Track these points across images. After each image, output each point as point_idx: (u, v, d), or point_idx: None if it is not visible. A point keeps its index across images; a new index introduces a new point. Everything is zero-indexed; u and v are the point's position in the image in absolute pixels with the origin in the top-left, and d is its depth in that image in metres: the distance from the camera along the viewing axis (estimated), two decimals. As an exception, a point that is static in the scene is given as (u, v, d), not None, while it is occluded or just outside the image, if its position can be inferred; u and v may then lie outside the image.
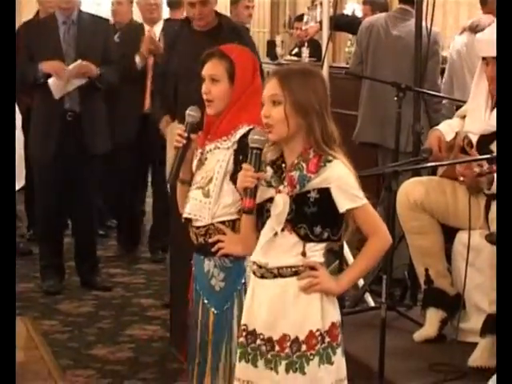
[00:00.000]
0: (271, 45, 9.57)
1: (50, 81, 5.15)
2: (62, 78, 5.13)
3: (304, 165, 2.48)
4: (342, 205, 2.47)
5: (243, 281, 2.89)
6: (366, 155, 5.53)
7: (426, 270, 3.87)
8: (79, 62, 5.17)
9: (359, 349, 3.73)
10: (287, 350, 2.50)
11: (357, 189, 2.50)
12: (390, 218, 3.67)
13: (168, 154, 4.91)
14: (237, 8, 6.93)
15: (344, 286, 2.56)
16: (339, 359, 2.54)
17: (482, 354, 3.50)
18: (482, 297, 3.68)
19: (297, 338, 2.50)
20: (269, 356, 2.53)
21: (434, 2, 4.47)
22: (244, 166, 2.53)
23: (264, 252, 2.53)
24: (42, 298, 5.30)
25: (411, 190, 3.86)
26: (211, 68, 2.89)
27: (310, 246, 2.50)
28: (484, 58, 3.67)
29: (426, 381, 3.46)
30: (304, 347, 2.49)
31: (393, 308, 4.07)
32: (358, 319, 4.11)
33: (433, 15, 4.53)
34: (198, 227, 2.90)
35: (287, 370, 2.50)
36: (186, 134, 2.86)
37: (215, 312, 2.90)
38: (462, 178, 3.40)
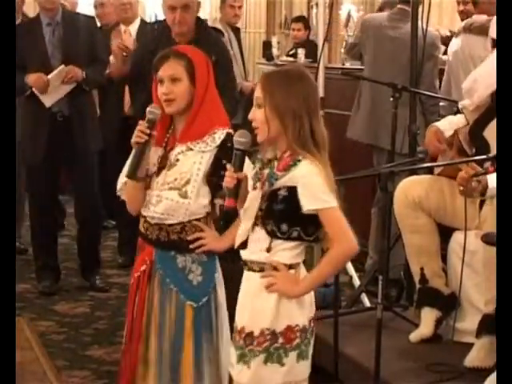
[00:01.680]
0: (267, 45, 9.54)
1: (38, 92, 5.15)
2: (45, 91, 5.12)
3: (276, 163, 2.55)
4: (305, 204, 2.51)
5: (216, 275, 3.01)
6: (362, 155, 5.53)
7: (422, 270, 3.87)
8: (61, 67, 5.14)
9: (355, 349, 3.74)
10: (241, 342, 2.59)
11: (322, 191, 2.50)
12: (386, 218, 3.66)
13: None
14: (224, 8, 6.92)
15: (301, 292, 2.59)
16: (292, 362, 2.57)
17: (478, 354, 3.50)
18: (477, 297, 3.69)
19: (251, 333, 2.57)
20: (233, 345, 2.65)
21: (430, 3, 4.46)
22: (227, 166, 2.61)
23: (244, 245, 2.63)
24: (38, 298, 5.30)
25: (410, 188, 3.87)
26: (170, 68, 2.92)
27: (276, 242, 2.55)
28: (494, 40, 3.65)
29: (422, 381, 3.46)
30: (255, 342, 2.56)
31: (389, 308, 4.08)
32: (354, 320, 4.11)
33: (428, 16, 4.53)
34: (171, 225, 2.94)
35: (238, 361, 2.61)
36: (148, 131, 2.88)
37: (194, 306, 2.95)
38: (461, 188, 3.41)
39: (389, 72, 5.13)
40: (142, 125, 2.87)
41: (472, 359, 3.51)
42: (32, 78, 5.12)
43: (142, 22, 6.23)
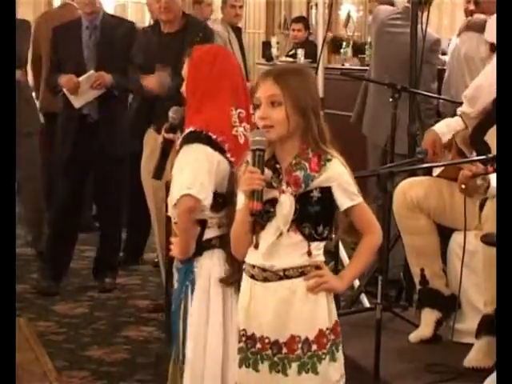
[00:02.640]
0: (267, 46, 9.56)
1: (68, 93, 5.24)
2: (75, 92, 5.19)
3: (306, 164, 2.48)
4: (343, 203, 2.50)
5: (187, 283, 2.94)
6: (362, 156, 5.54)
7: (422, 271, 3.87)
8: (91, 72, 5.19)
9: (354, 350, 3.73)
10: (298, 352, 2.49)
11: (354, 186, 2.53)
12: (386, 218, 3.66)
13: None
14: (225, 8, 6.93)
15: (347, 283, 2.61)
16: (340, 355, 2.57)
17: (478, 354, 3.50)
18: (477, 297, 3.69)
19: (307, 339, 2.49)
20: (275, 359, 2.51)
21: (430, 4, 4.46)
22: (250, 168, 2.47)
23: (268, 254, 2.51)
24: (38, 299, 5.29)
25: (409, 189, 3.87)
26: (183, 69, 2.98)
27: (314, 245, 2.51)
28: (492, 45, 3.66)
29: (422, 381, 3.46)
30: (315, 347, 2.50)
31: (388, 309, 4.07)
32: (353, 320, 4.10)
33: (428, 17, 4.53)
34: None
35: (299, 372, 2.49)
36: (165, 135, 2.93)
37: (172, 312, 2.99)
38: (463, 186, 3.41)
39: (388, 71, 5.13)
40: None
41: (471, 360, 3.51)
42: (64, 79, 5.21)
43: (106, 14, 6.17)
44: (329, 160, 2.49)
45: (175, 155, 2.94)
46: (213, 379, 2.90)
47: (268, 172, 2.50)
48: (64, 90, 5.23)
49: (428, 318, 3.86)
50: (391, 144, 4.59)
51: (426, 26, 4.55)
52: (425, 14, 4.55)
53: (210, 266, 2.94)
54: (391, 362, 3.55)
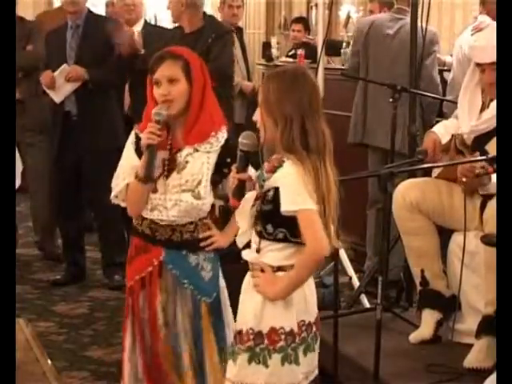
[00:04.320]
0: (266, 46, 9.54)
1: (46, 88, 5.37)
2: (52, 87, 5.32)
3: (265, 165, 2.55)
4: (282, 205, 2.51)
5: (219, 270, 3.10)
6: (362, 157, 5.53)
7: (422, 272, 3.87)
8: (64, 66, 5.28)
9: (354, 350, 3.74)
10: (232, 340, 2.66)
11: (299, 192, 2.49)
12: (386, 219, 3.67)
13: None
14: (223, 8, 6.93)
15: (277, 294, 2.55)
16: (276, 365, 2.55)
17: (478, 355, 3.50)
18: (477, 298, 3.69)
19: (240, 331, 2.60)
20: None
21: (430, 3, 4.46)
22: (233, 167, 2.65)
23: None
24: (38, 299, 5.30)
25: (407, 191, 3.87)
26: (167, 69, 2.93)
27: (264, 244, 2.57)
28: (479, 65, 3.68)
29: (422, 382, 3.46)
30: (241, 340, 2.58)
31: (388, 309, 4.08)
32: (353, 320, 4.11)
33: (428, 15, 4.53)
34: (184, 225, 2.99)
35: (229, 357, 2.64)
36: (159, 132, 2.90)
37: (208, 301, 3.02)
38: (464, 179, 3.41)
39: (386, 71, 5.13)
40: (152, 126, 2.87)
41: (471, 360, 3.52)
42: (41, 76, 5.38)
43: (146, 23, 6.24)
44: (283, 161, 2.51)
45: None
46: None
47: (253, 172, 2.65)
48: (43, 86, 5.36)
49: (428, 319, 3.86)
50: (391, 144, 4.59)
51: (427, 21, 4.55)
52: (425, 9, 4.54)
53: None
54: (391, 362, 3.55)
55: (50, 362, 4.12)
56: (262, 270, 2.58)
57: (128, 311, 3.07)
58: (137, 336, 3.04)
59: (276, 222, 2.54)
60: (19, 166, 4.25)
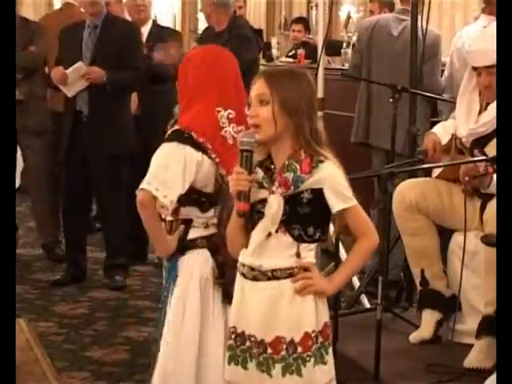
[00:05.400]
0: (267, 46, 9.55)
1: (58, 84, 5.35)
2: (63, 83, 5.29)
3: (297, 166, 2.48)
4: (335, 205, 2.48)
5: (170, 280, 2.99)
6: (362, 157, 5.53)
7: (422, 272, 3.87)
8: (79, 63, 5.25)
9: (355, 350, 3.74)
10: (283, 353, 2.49)
11: (348, 189, 2.51)
12: (386, 219, 3.67)
13: None
14: None
15: (337, 287, 2.57)
16: (330, 358, 2.55)
17: (478, 355, 3.50)
18: (477, 298, 3.69)
19: (292, 340, 2.49)
20: (260, 359, 2.51)
21: (430, 3, 4.46)
22: (236, 169, 2.50)
23: (257, 254, 2.52)
24: (38, 299, 5.29)
25: (407, 191, 3.87)
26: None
27: (303, 246, 2.50)
28: (475, 68, 3.68)
29: (422, 382, 3.46)
30: (300, 349, 2.48)
31: (388, 309, 4.08)
32: (353, 321, 4.11)
33: (428, 16, 4.53)
34: None
35: (283, 373, 2.49)
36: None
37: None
38: (466, 178, 3.41)
39: (389, 72, 5.13)
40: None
41: (472, 360, 3.51)
42: (53, 72, 5.37)
43: (154, 23, 6.25)
44: (321, 161, 2.48)
45: None
46: (185, 377, 2.90)
47: (259, 172, 2.52)
48: (54, 82, 5.34)
49: (428, 319, 3.86)
50: (392, 144, 4.59)
51: (427, 22, 4.55)
52: (425, 10, 4.54)
53: (192, 265, 2.94)
54: (391, 362, 3.55)
55: (50, 362, 4.13)
56: (305, 270, 2.51)
57: None
58: None
59: (316, 223, 2.49)
60: (19, 166, 4.26)
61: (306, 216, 2.47)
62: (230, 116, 2.94)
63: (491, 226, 3.37)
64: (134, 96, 5.80)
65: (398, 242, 4.21)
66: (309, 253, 2.52)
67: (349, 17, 8.63)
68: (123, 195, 5.43)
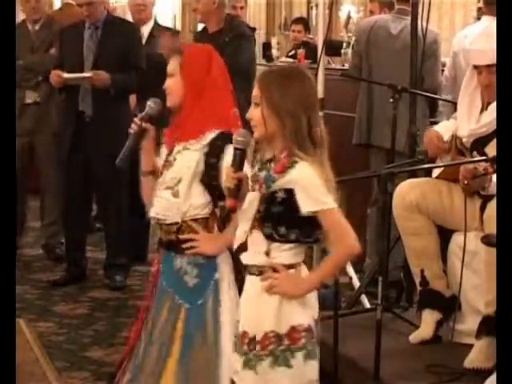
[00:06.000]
0: (267, 46, 9.55)
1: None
2: (59, 86, 5.34)
3: (273, 165, 2.53)
4: (304, 207, 2.49)
5: (216, 276, 2.95)
6: (362, 157, 5.53)
7: (422, 272, 3.87)
8: (83, 75, 5.26)
9: (355, 350, 3.74)
10: (245, 348, 2.56)
11: (321, 192, 2.49)
12: (386, 219, 3.67)
13: None
14: (227, 9, 6.95)
15: (304, 291, 2.56)
16: (300, 363, 2.54)
17: (478, 355, 3.50)
18: (477, 298, 3.69)
19: (254, 337, 2.55)
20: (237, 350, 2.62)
21: (430, 3, 4.46)
22: (225, 166, 2.59)
23: (241, 249, 2.61)
24: (38, 299, 5.29)
25: (407, 191, 3.86)
26: (169, 65, 3.00)
27: (274, 245, 2.53)
28: (476, 67, 3.68)
29: (422, 382, 3.46)
30: (258, 347, 2.54)
31: (388, 310, 4.07)
32: (353, 321, 4.11)
33: (428, 15, 4.53)
34: (169, 224, 2.96)
35: (243, 366, 2.57)
36: (139, 122, 2.97)
37: (187, 307, 2.93)
38: (466, 182, 3.41)
39: (389, 72, 5.12)
40: (137, 117, 2.98)
41: (472, 360, 3.51)
42: (51, 75, 5.35)
43: (155, 23, 6.25)
44: (296, 162, 2.49)
45: (151, 147, 3.01)
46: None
47: (250, 170, 2.60)
48: (53, 85, 5.38)
49: (428, 319, 3.86)
50: (392, 144, 4.58)
51: (427, 21, 4.54)
52: (425, 9, 4.54)
53: (229, 261, 2.97)
54: (391, 362, 3.55)
55: (50, 362, 4.13)
56: (274, 270, 2.54)
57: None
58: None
59: (289, 224, 2.51)
60: None
61: (278, 215, 2.51)
62: (236, 114, 2.99)
63: (491, 226, 3.37)
64: (133, 95, 5.81)
65: (398, 242, 4.21)
66: (281, 253, 2.54)
67: (349, 17, 8.65)
68: (124, 195, 5.43)
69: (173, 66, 2.97)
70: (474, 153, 3.67)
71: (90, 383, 4.08)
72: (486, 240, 3.14)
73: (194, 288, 2.95)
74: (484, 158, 3.36)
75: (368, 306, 4.56)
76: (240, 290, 2.80)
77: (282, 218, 2.51)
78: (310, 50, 7.53)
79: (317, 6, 7.24)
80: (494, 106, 3.58)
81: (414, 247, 3.89)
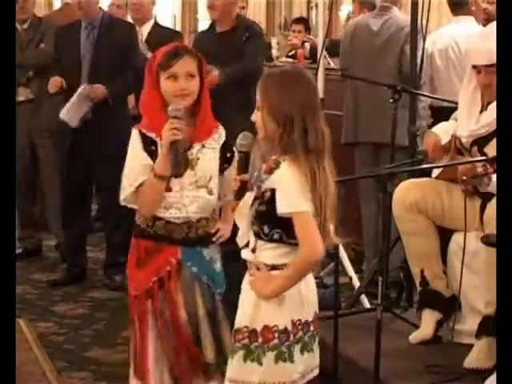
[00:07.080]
0: (267, 46, 9.55)
1: (62, 115, 5.29)
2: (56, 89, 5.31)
3: (264, 166, 2.58)
4: (279, 208, 2.52)
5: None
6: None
7: (422, 272, 3.87)
8: (82, 88, 5.24)
9: (355, 350, 3.74)
10: (231, 340, 2.68)
11: (295, 194, 2.51)
12: (386, 219, 3.66)
13: None
14: None
15: (269, 294, 2.58)
16: (270, 363, 2.57)
17: (478, 355, 3.50)
18: (477, 298, 3.68)
19: (236, 329, 2.63)
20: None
21: (430, 3, 4.46)
22: (232, 170, 2.72)
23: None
24: (38, 299, 5.30)
25: (407, 191, 3.86)
26: (187, 65, 2.99)
27: (260, 243, 2.59)
28: (475, 66, 3.68)
29: (422, 382, 3.46)
30: (236, 338, 2.62)
31: (388, 310, 4.07)
32: (353, 321, 4.10)
33: (428, 16, 4.53)
34: (198, 221, 3.04)
35: (229, 356, 2.68)
36: (181, 127, 2.94)
37: (221, 292, 3.09)
38: (464, 177, 3.41)
39: (371, 68, 5.13)
40: (174, 122, 2.89)
41: (472, 360, 3.51)
42: (50, 81, 5.32)
43: (155, 23, 6.24)
44: (279, 163, 2.53)
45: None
46: None
47: (252, 172, 2.65)
48: (51, 91, 5.32)
49: (428, 319, 3.86)
50: (392, 143, 4.58)
51: (427, 21, 4.54)
52: (425, 9, 4.54)
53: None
54: (391, 362, 3.55)
55: (50, 362, 4.13)
56: (258, 269, 2.60)
57: (146, 316, 3.14)
58: (163, 338, 3.07)
59: (272, 223, 2.56)
60: None
61: (263, 214, 2.56)
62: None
63: (491, 226, 3.37)
64: (131, 95, 5.82)
65: (397, 242, 4.21)
66: (263, 251, 2.59)
67: (349, 17, 8.65)
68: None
69: (193, 67, 2.99)
70: (474, 149, 3.67)
71: (90, 383, 4.09)
72: (486, 240, 3.14)
73: (220, 274, 3.12)
74: (484, 158, 3.36)
75: (368, 306, 4.56)
76: None
77: (266, 217, 2.56)
78: (310, 51, 7.55)
79: (317, 6, 7.25)
80: (493, 106, 3.58)
81: (414, 247, 3.89)
